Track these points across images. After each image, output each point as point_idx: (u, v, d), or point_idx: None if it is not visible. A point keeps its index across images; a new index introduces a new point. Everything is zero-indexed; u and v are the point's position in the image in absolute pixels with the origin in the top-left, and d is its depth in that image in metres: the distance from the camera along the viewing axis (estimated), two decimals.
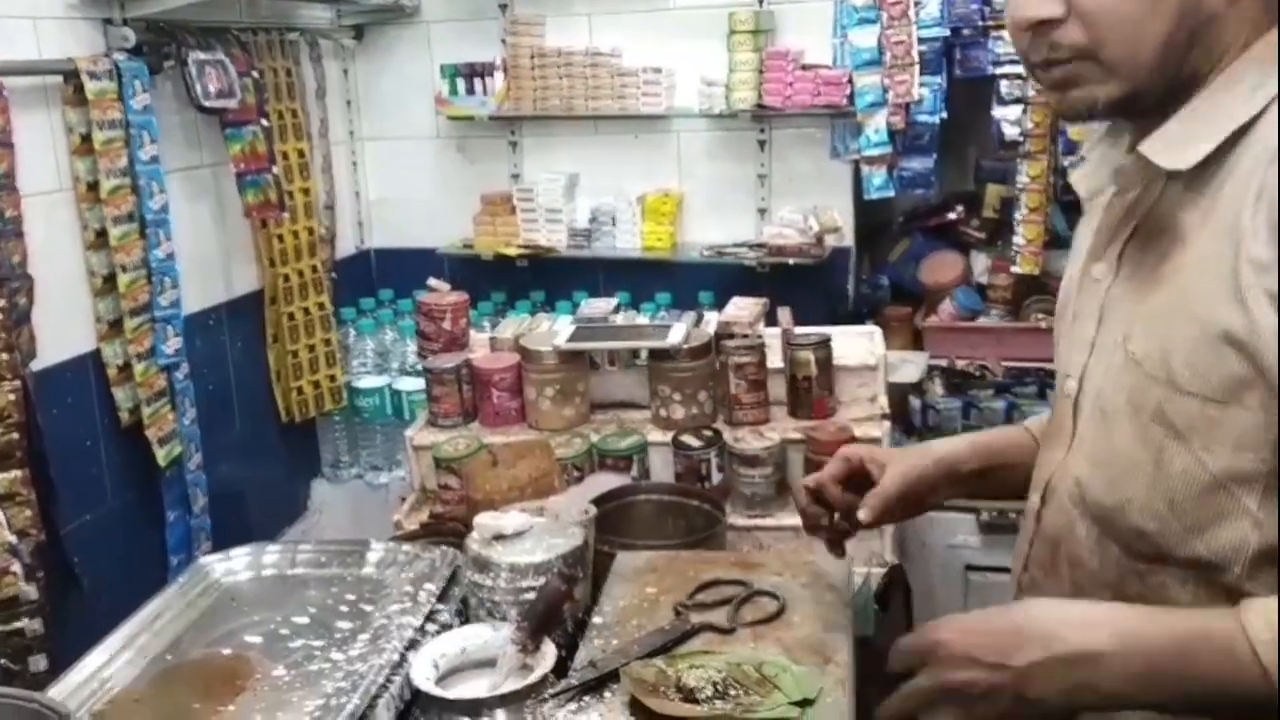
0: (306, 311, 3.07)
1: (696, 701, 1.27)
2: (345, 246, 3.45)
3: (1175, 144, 0.96)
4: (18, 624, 2.09)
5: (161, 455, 2.49)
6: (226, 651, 1.49)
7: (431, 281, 3.20)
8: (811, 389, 2.17)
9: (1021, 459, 1.25)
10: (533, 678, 1.30)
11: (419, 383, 3.02)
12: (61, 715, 1.06)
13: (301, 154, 3.01)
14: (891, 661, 1.02)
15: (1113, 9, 0.94)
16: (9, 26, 2.18)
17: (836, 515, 1.37)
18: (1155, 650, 0.91)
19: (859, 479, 1.33)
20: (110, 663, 1.42)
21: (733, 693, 1.29)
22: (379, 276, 3.58)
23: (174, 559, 2.58)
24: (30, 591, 2.09)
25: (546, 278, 3.38)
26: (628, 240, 3.30)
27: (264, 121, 2.73)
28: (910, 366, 2.93)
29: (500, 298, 3.35)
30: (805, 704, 1.26)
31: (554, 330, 2.30)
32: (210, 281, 2.83)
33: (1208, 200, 0.95)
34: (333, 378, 3.16)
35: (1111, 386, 1.03)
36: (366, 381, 3.22)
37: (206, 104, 2.51)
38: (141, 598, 1.75)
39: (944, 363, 3.00)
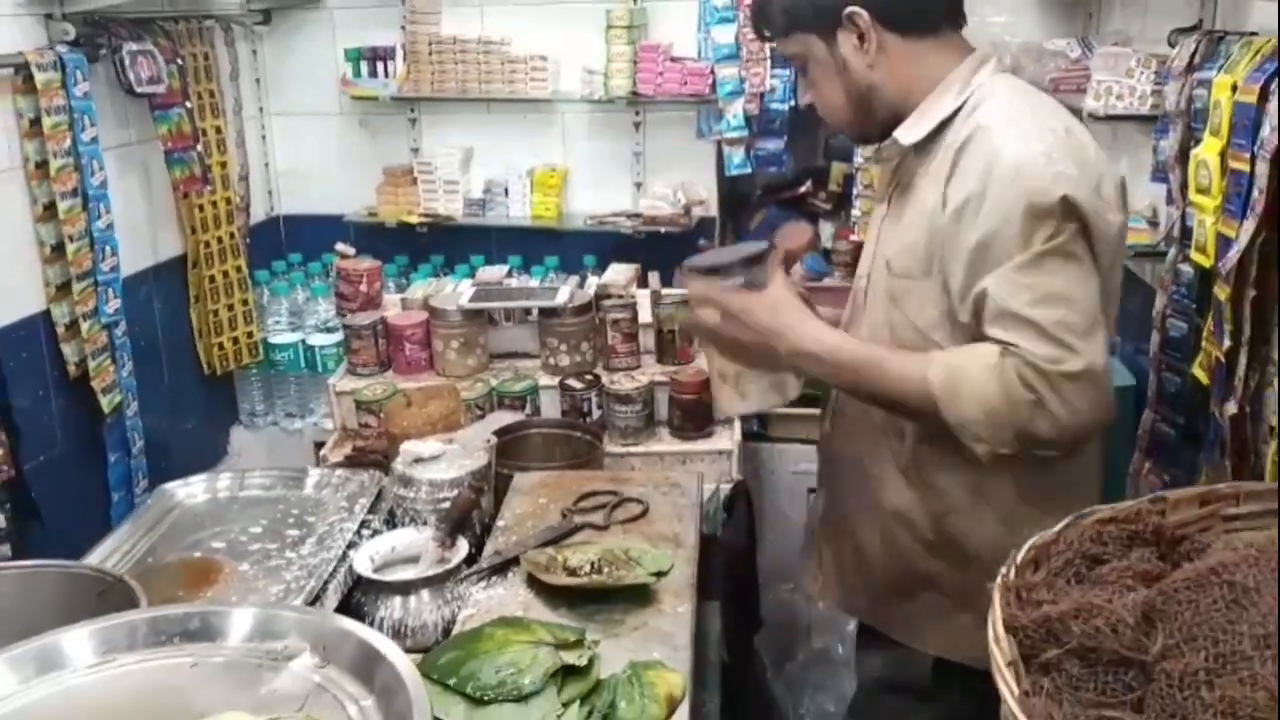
0: (225, 274, 3.33)
1: (578, 575, 1.59)
2: (256, 214, 3.67)
3: (909, 130, 1.54)
4: None
5: (105, 403, 2.75)
6: (197, 555, 1.74)
7: (339, 246, 3.49)
8: (675, 340, 2.56)
9: None
10: (450, 565, 1.61)
11: (331, 338, 3.33)
12: (115, 578, 1.39)
13: (219, 130, 3.26)
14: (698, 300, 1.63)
15: (818, 96, 1.63)
16: None
17: None
18: (859, 360, 1.51)
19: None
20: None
21: (605, 569, 1.61)
22: (288, 241, 3.82)
23: (115, 495, 2.84)
24: (0, 520, 2.38)
25: (445, 243, 3.65)
26: (519, 210, 3.60)
27: (187, 104, 2.99)
28: None
29: (403, 261, 3.61)
30: (660, 575, 1.61)
31: (458, 291, 2.64)
32: (139, 247, 3.06)
33: (930, 161, 1.52)
34: (250, 334, 3.42)
35: (875, 281, 1.62)
36: (281, 338, 3.47)
37: (139, 90, 2.76)
38: (89, 529, 1.96)
39: None
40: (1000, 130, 1.42)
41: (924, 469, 1.59)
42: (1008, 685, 0.70)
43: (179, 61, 2.97)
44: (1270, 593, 0.70)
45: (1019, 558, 0.85)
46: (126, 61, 2.72)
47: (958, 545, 1.57)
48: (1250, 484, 0.95)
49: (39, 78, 2.49)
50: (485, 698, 1.31)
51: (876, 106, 1.55)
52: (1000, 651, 0.74)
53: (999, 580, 0.82)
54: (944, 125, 1.49)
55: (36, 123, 2.52)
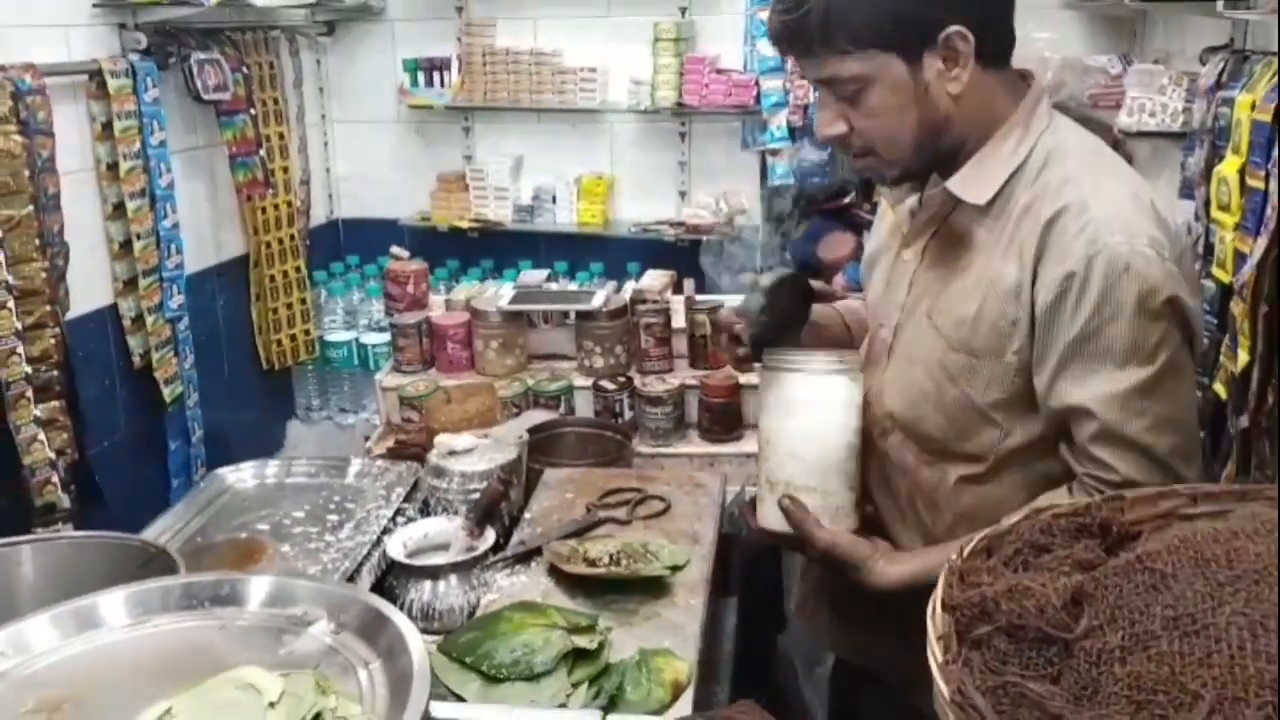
0: (285, 274, 3.47)
1: (596, 566, 1.64)
2: (317, 216, 3.82)
3: (971, 185, 1.33)
4: (54, 529, 2.51)
5: (167, 393, 2.90)
6: (243, 535, 1.83)
7: (394, 249, 3.60)
8: (706, 345, 2.60)
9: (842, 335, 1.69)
10: (477, 553, 1.66)
11: (382, 337, 3.44)
12: (158, 549, 1.49)
13: (282, 136, 3.41)
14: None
15: (875, 127, 1.33)
16: (47, 34, 2.57)
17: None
18: (933, 566, 1.25)
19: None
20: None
21: (624, 561, 1.65)
22: (346, 243, 3.96)
23: (175, 481, 2.99)
24: (65, 500, 2.51)
25: (494, 247, 3.77)
26: (566, 216, 3.70)
27: (252, 110, 3.14)
28: None
29: (454, 264, 3.74)
30: (675, 569, 1.65)
31: (499, 294, 2.71)
32: (204, 247, 3.22)
33: (991, 220, 1.33)
34: (307, 332, 3.57)
35: (915, 340, 1.42)
36: (336, 335, 3.61)
37: (206, 97, 2.91)
38: (149, 512, 2.05)
39: None
40: (1097, 209, 1.26)
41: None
42: (934, 656, 0.76)
43: (244, 70, 3.12)
44: (1184, 577, 0.75)
45: (970, 547, 0.90)
46: (194, 69, 2.87)
47: None
48: (1208, 485, 0.99)
49: (112, 84, 2.64)
50: (499, 675, 1.38)
51: (944, 140, 1.34)
52: (934, 626, 0.80)
53: (947, 565, 0.87)
54: (1008, 180, 1.33)
55: (108, 126, 2.68)
